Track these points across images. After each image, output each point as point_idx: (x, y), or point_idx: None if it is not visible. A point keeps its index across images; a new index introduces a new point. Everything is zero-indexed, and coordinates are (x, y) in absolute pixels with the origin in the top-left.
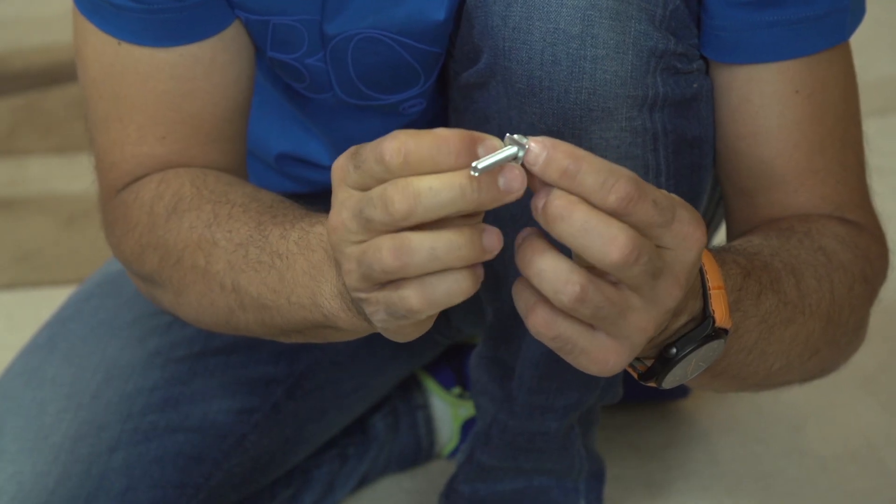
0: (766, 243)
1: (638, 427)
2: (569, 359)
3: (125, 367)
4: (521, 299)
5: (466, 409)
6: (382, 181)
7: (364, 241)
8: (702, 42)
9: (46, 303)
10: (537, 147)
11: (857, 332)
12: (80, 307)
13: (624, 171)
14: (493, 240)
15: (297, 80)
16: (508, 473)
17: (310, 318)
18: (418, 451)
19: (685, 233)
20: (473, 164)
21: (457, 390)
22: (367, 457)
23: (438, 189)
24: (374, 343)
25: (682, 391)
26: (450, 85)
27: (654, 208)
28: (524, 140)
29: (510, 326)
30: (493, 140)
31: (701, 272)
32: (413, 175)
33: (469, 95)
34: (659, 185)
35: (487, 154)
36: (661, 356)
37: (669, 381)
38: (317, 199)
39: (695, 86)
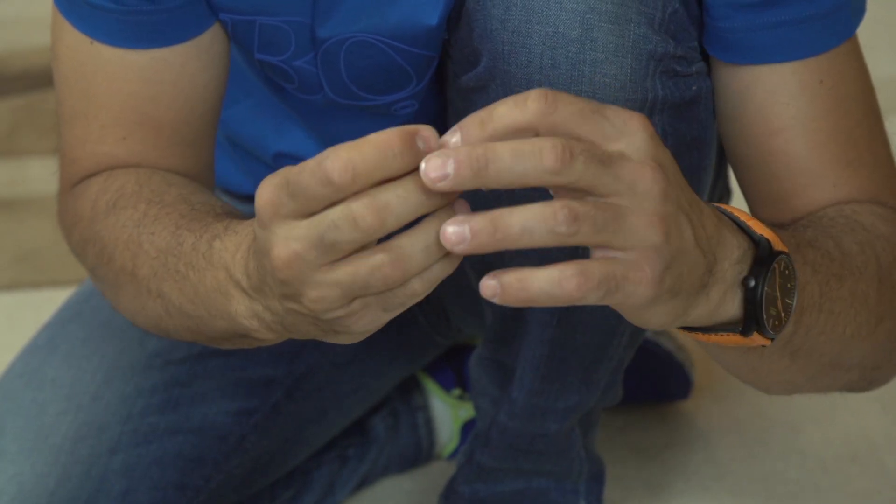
0: (797, 224)
1: (638, 428)
2: (619, 300)
3: (125, 369)
4: (542, 281)
5: (466, 411)
6: (331, 202)
7: (332, 266)
8: (715, 46)
9: (46, 304)
10: (450, 135)
11: None
12: (80, 308)
13: (531, 92)
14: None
15: (286, 81)
16: (508, 475)
17: (231, 329)
18: (418, 453)
19: (624, 117)
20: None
21: (457, 391)
22: (367, 458)
23: (406, 196)
24: (374, 344)
25: (683, 392)
26: (449, 86)
27: (575, 103)
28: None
29: (510, 328)
30: (426, 130)
31: (724, 213)
32: (363, 187)
33: (468, 98)
34: None
35: (427, 145)
36: (745, 298)
37: (771, 324)
38: None
39: (694, 88)
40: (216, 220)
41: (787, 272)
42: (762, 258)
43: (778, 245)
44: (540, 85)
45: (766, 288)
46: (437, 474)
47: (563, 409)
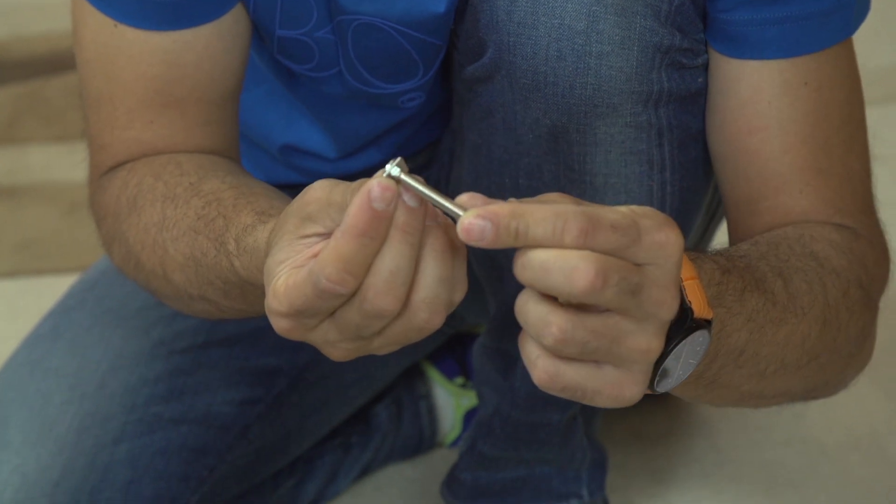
0: (754, 249)
1: (640, 415)
2: (586, 402)
3: (129, 358)
4: (525, 354)
5: (469, 399)
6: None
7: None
8: (712, 37)
9: (47, 291)
10: (479, 221)
11: (860, 342)
12: (84, 296)
13: (569, 209)
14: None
15: (305, 60)
16: (510, 463)
17: None
18: (421, 441)
19: (658, 242)
20: (389, 170)
21: (460, 380)
22: (370, 446)
23: (397, 265)
24: None
25: None
26: (454, 78)
27: (615, 233)
28: (394, 171)
29: (513, 317)
30: (376, 188)
31: None
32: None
33: (473, 89)
34: (663, 180)
35: (384, 200)
36: None
37: (662, 385)
38: None
39: (699, 80)
40: (225, 227)
41: (700, 339)
42: (677, 330)
43: (701, 312)
44: (545, 77)
45: (670, 356)
46: (439, 462)
47: (565, 399)
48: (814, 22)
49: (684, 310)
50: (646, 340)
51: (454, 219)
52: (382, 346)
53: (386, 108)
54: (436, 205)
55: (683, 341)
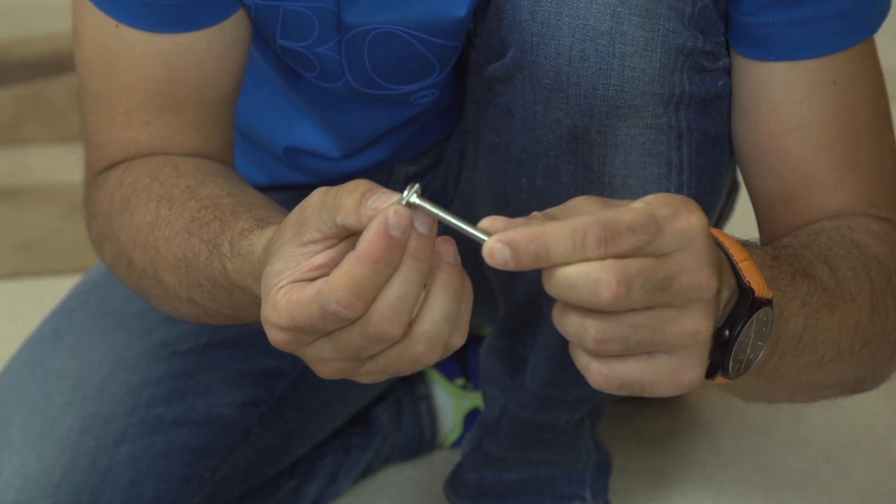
0: (796, 240)
1: (641, 417)
2: (647, 395)
3: (131, 360)
4: (577, 363)
5: (469, 401)
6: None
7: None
8: (735, 40)
9: (48, 292)
10: (500, 246)
11: None
12: (86, 298)
13: (584, 221)
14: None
15: (307, 69)
16: (515, 463)
17: None
18: (421, 442)
19: (680, 228)
20: (407, 197)
21: (460, 381)
22: (371, 447)
23: (406, 292)
24: None
25: None
26: (471, 77)
27: (634, 234)
28: (413, 198)
29: (524, 318)
30: (393, 216)
31: (722, 249)
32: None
33: (492, 89)
34: (680, 182)
35: (400, 228)
36: (717, 343)
37: (735, 369)
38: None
39: (720, 84)
40: (221, 230)
41: (765, 319)
42: (742, 311)
43: (762, 292)
44: (568, 77)
45: (739, 338)
46: (439, 463)
47: (574, 400)
48: (838, 21)
49: (744, 291)
50: (692, 324)
51: (477, 243)
52: (371, 372)
53: (398, 104)
54: (458, 230)
55: (749, 321)
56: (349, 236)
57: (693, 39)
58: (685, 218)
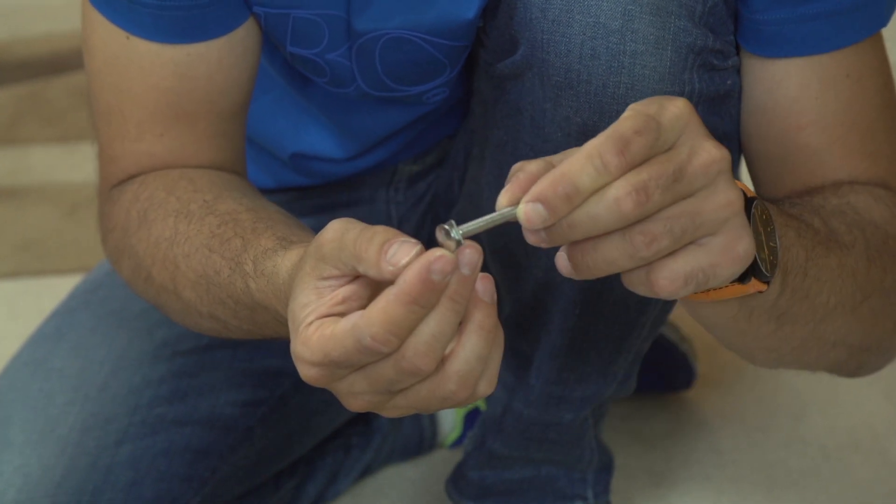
0: (786, 200)
1: (641, 417)
2: (713, 283)
3: (133, 359)
4: (636, 285)
5: None
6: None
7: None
8: (745, 39)
9: (48, 292)
10: (531, 206)
11: None
12: (88, 298)
13: (593, 145)
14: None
15: (318, 74)
16: (517, 462)
17: None
18: (421, 442)
19: (673, 115)
20: (456, 236)
21: None
22: (371, 447)
23: (441, 331)
24: None
25: (686, 382)
26: (478, 76)
27: (641, 136)
28: (452, 231)
29: (530, 317)
30: (438, 261)
31: None
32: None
33: (501, 86)
34: None
35: (442, 273)
36: None
37: (764, 267)
38: (330, 189)
39: (729, 82)
40: (243, 248)
41: (764, 217)
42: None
43: (749, 192)
44: (578, 75)
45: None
46: (439, 463)
47: (579, 399)
48: (848, 15)
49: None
50: (723, 196)
51: (513, 222)
52: (400, 406)
53: (409, 104)
54: (494, 226)
55: (751, 217)
56: None
57: (703, 38)
58: (673, 105)
